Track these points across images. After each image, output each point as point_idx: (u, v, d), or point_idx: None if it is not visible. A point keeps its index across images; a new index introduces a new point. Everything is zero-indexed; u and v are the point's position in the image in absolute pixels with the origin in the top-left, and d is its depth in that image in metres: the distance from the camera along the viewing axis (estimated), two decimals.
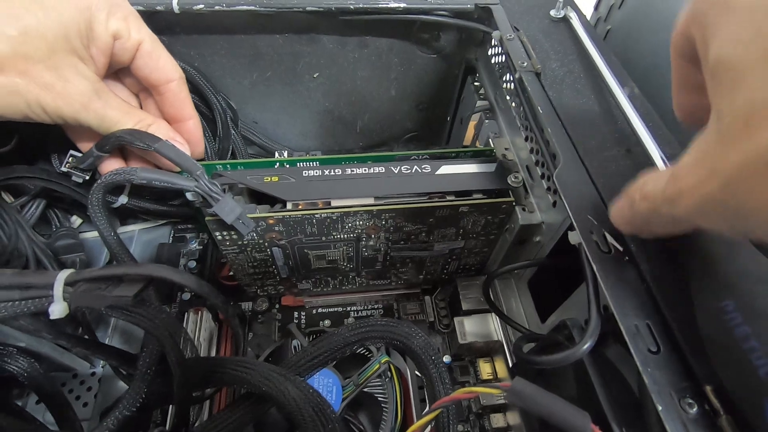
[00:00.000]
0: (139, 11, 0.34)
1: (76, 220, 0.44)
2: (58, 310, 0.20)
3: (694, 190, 0.15)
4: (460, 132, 0.48)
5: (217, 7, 0.35)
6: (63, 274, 0.20)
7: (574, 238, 0.24)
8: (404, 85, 0.45)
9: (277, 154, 0.37)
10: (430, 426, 0.24)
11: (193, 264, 0.44)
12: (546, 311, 0.34)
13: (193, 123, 0.32)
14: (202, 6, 0.35)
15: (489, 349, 0.38)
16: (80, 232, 0.44)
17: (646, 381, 0.18)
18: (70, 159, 0.31)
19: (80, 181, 0.32)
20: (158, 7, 0.34)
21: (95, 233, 0.46)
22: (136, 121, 0.28)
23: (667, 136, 0.28)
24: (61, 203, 0.42)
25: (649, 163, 0.25)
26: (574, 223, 0.24)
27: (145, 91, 0.32)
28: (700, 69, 0.17)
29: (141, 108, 0.32)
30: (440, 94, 0.46)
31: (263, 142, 0.48)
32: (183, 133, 0.31)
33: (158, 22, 0.36)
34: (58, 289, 0.20)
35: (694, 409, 0.18)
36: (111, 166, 0.30)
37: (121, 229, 0.47)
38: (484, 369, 0.38)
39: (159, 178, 0.25)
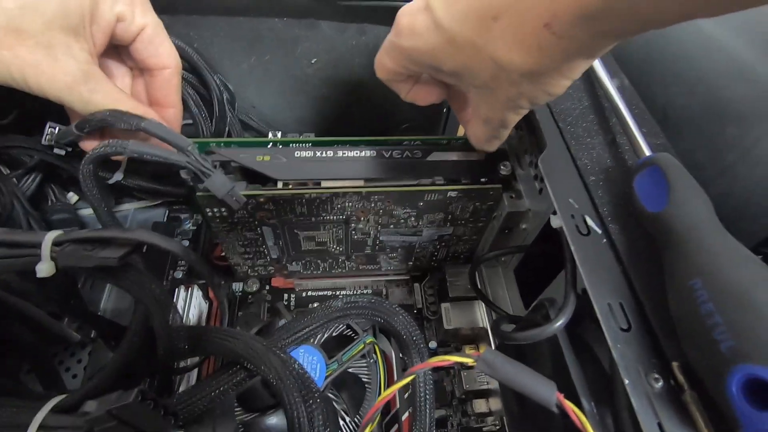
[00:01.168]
0: None
1: (72, 197, 0.45)
2: (45, 268, 0.20)
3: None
4: (455, 122, 0.49)
5: None
6: (51, 234, 0.21)
7: (556, 221, 0.24)
8: None
9: (270, 135, 0.37)
10: (408, 413, 0.24)
11: (186, 243, 0.44)
12: (531, 298, 0.34)
13: (174, 112, 0.31)
14: None
15: (474, 336, 0.39)
16: (76, 209, 0.44)
17: (615, 357, 0.19)
18: (49, 131, 0.32)
19: (62, 153, 0.33)
20: None
21: (91, 210, 0.47)
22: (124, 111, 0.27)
23: (653, 127, 0.28)
24: (58, 179, 0.43)
25: (633, 151, 0.25)
26: (556, 206, 0.24)
27: (139, 69, 0.32)
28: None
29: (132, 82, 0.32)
30: None
31: (260, 127, 0.49)
32: (162, 120, 0.30)
33: (160, 1, 0.37)
34: (46, 248, 0.20)
35: (660, 384, 0.18)
36: (91, 144, 0.30)
37: (117, 209, 0.47)
38: None
39: (150, 151, 0.26)
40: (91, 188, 0.25)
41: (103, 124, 0.27)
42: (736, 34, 0.28)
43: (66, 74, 0.24)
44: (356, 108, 0.49)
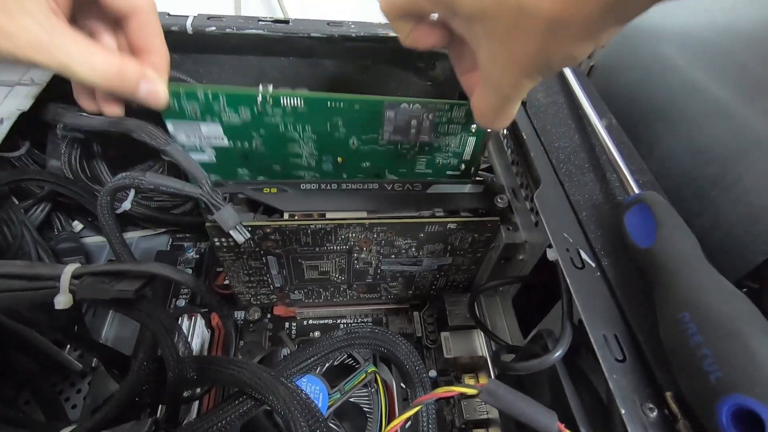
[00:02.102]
0: None
1: (77, 225, 0.46)
2: (63, 300, 0.21)
3: None
4: None
5: (227, 30, 0.37)
6: (70, 267, 0.22)
7: (552, 254, 0.26)
8: None
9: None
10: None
11: (189, 272, 0.45)
12: (529, 327, 0.35)
13: (159, 57, 0.28)
14: (213, 28, 0.37)
15: (474, 365, 0.39)
16: (81, 237, 0.45)
17: (612, 387, 0.20)
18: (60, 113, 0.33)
19: (81, 137, 0.34)
20: (173, 28, 0.37)
21: (95, 238, 0.47)
22: (101, 63, 0.24)
23: (640, 164, 0.30)
24: (64, 208, 0.44)
25: (622, 187, 0.27)
26: (552, 240, 0.25)
27: (114, 20, 0.28)
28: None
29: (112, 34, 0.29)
30: None
31: None
32: (149, 65, 0.27)
33: (172, 41, 0.39)
34: (65, 280, 0.21)
35: (654, 414, 0.19)
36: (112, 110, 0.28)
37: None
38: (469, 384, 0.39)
39: (166, 183, 0.27)
40: (107, 218, 0.26)
41: (128, 133, 0.28)
42: (718, 78, 0.30)
43: (25, 31, 0.22)
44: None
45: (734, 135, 0.29)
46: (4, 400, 0.31)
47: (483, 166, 0.46)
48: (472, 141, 0.34)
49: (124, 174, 0.27)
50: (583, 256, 0.24)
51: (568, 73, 0.35)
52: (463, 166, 0.36)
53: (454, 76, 0.44)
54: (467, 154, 0.35)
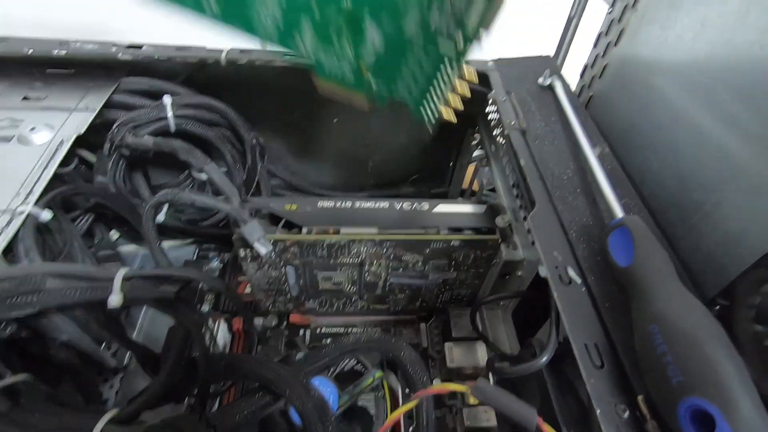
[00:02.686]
0: (192, 63, 0.42)
1: (114, 234, 0.50)
2: (115, 299, 0.25)
3: None
4: (460, 174, 0.54)
5: (257, 62, 0.42)
6: (122, 270, 0.25)
7: (543, 271, 0.28)
8: (412, 133, 0.51)
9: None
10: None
11: (209, 274, 0.48)
12: (528, 338, 0.37)
13: None
14: (245, 60, 0.42)
15: (476, 375, 0.42)
16: (117, 245, 0.49)
17: (589, 390, 0.22)
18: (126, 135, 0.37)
19: (127, 153, 0.38)
20: (209, 60, 0.41)
21: (129, 247, 0.52)
22: None
23: (628, 189, 0.33)
24: (104, 218, 0.48)
25: (609, 211, 0.30)
26: (542, 258, 0.28)
27: None
28: None
29: None
30: (444, 141, 0.52)
31: (284, 176, 0.54)
32: None
33: (208, 71, 0.43)
34: (118, 282, 0.25)
35: (627, 414, 0.21)
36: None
37: None
38: None
39: (201, 199, 0.31)
40: (150, 228, 0.30)
41: (175, 153, 0.32)
42: (701, 110, 0.33)
43: None
44: (371, 160, 0.55)
45: (715, 164, 0.31)
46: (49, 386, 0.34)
47: (487, 187, 0.49)
48: None
49: (165, 190, 0.31)
50: (571, 273, 0.27)
51: (565, 103, 0.38)
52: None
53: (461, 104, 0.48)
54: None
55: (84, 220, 0.43)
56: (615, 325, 0.25)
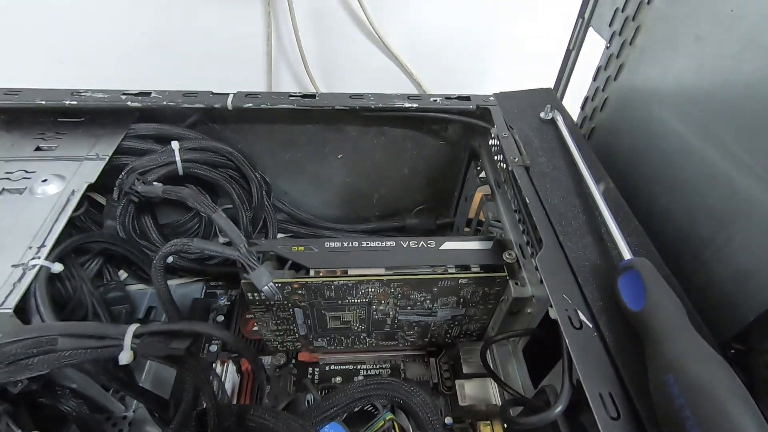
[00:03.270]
0: (199, 108, 0.43)
1: (122, 274, 0.50)
2: (126, 357, 0.25)
3: None
4: (465, 206, 0.54)
5: (262, 106, 0.43)
6: (132, 328, 0.25)
7: (553, 313, 0.28)
8: (416, 166, 0.52)
9: None
10: None
11: (221, 318, 0.48)
12: (539, 377, 0.37)
13: None
14: (251, 105, 0.42)
15: (489, 413, 0.41)
16: (126, 284, 0.50)
17: None
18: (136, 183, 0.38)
19: (136, 200, 0.39)
20: (216, 105, 0.42)
21: (137, 286, 0.52)
22: None
23: (634, 226, 0.33)
24: (112, 260, 0.48)
25: (617, 249, 0.30)
26: (552, 301, 0.28)
27: None
28: None
29: None
30: (448, 174, 0.53)
31: (290, 210, 0.55)
32: None
33: (214, 115, 0.44)
34: (128, 339, 0.25)
35: None
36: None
37: None
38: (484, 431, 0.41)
39: (210, 248, 0.31)
40: (160, 281, 0.30)
41: (183, 201, 0.33)
42: (709, 143, 0.33)
43: None
44: (376, 193, 0.55)
45: (724, 199, 0.31)
46: None
47: (493, 219, 0.49)
48: None
49: (175, 241, 0.31)
50: (581, 316, 0.27)
51: (568, 139, 0.39)
52: None
53: (464, 137, 0.49)
54: None
55: (93, 263, 0.43)
56: (629, 372, 0.24)
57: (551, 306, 0.28)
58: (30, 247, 0.31)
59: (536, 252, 0.32)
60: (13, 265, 0.30)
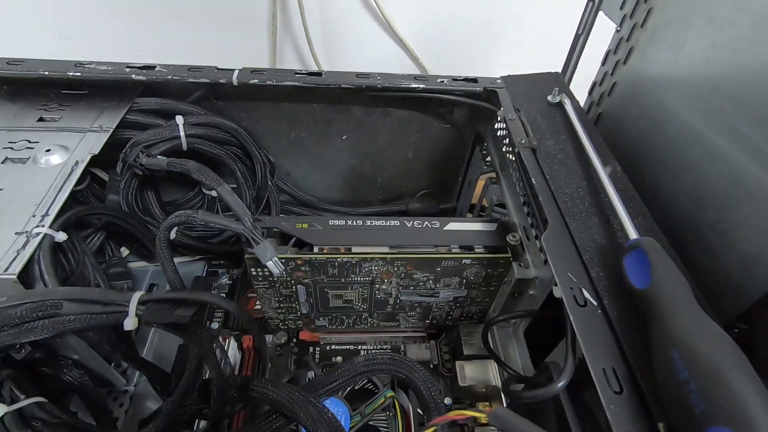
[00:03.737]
0: (204, 83, 0.42)
1: (124, 251, 0.50)
2: (131, 323, 0.25)
3: None
4: (468, 191, 0.54)
5: (268, 82, 0.42)
6: (137, 294, 0.25)
7: (557, 292, 0.28)
8: (421, 149, 0.52)
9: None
10: None
11: (223, 296, 0.48)
12: (540, 357, 0.37)
13: None
14: (256, 81, 0.42)
15: (488, 394, 0.41)
16: (127, 262, 0.50)
17: (609, 417, 0.22)
18: (137, 154, 0.38)
19: (140, 173, 0.39)
20: (221, 80, 0.42)
21: (139, 263, 0.52)
22: None
23: (641, 209, 0.33)
24: (114, 236, 0.48)
25: (623, 231, 0.29)
26: (557, 279, 0.28)
27: None
28: None
29: None
30: (452, 158, 0.52)
31: (292, 191, 0.54)
32: None
33: (219, 91, 0.44)
34: (133, 306, 0.25)
35: None
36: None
37: None
38: None
39: (214, 220, 0.31)
40: (164, 250, 0.30)
41: (188, 173, 0.33)
42: (715, 128, 0.33)
43: None
44: (379, 176, 0.55)
45: (731, 183, 0.31)
46: (60, 407, 0.34)
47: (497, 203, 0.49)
48: None
49: (179, 212, 0.31)
50: (586, 294, 0.27)
51: (575, 122, 0.39)
52: None
53: (469, 121, 0.48)
54: None
55: (96, 238, 0.43)
56: (633, 348, 0.24)
57: (556, 285, 0.28)
58: (33, 216, 0.31)
59: (541, 233, 0.32)
60: (17, 233, 0.30)
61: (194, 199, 0.50)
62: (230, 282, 0.50)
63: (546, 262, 0.34)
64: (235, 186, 0.47)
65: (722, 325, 0.22)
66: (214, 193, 0.47)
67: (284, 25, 0.59)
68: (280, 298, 0.40)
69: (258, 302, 0.43)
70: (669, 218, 0.34)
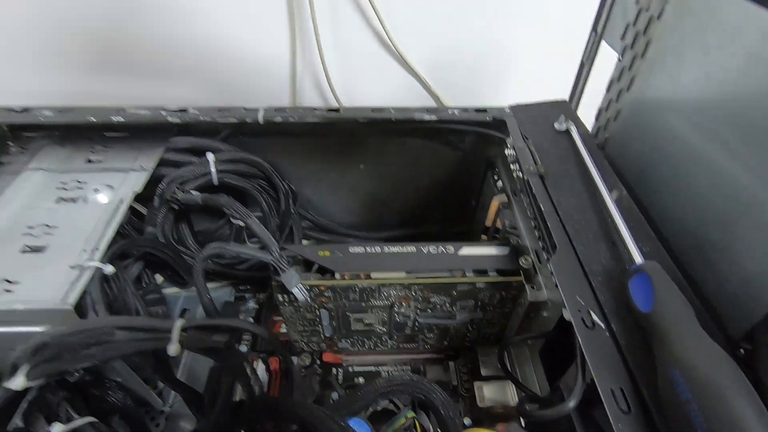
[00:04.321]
0: (232, 123, 0.46)
1: (158, 278, 0.54)
2: (174, 348, 0.27)
3: None
4: (481, 214, 0.56)
5: (290, 119, 0.46)
6: (179, 322, 0.28)
7: (566, 314, 0.30)
8: (434, 175, 0.54)
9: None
10: None
11: (250, 320, 0.51)
12: (555, 379, 0.38)
13: None
14: (279, 119, 0.45)
15: (507, 414, 0.42)
16: (162, 288, 0.53)
17: None
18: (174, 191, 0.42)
19: (176, 208, 0.43)
20: (247, 119, 0.45)
21: (172, 290, 0.55)
22: None
23: (646, 231, 0.34)
24: (150, 264, 0.52)
25: (628, 254, 0.31)
26: (565, 302, 0.29)
27: None
28: None
29: None
30: (465, 183, 0.55)
31: (313, 217, 0.57)
32: None
33: (246, 128, 0.48)
34: (176, 333, 0.28)
35: None
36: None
37: (190, 288, 0.56)
38: None
39: (245, 251, 0.34)
40: (201, 280, 0.33)
41: (220, 207, 0.36)
42: (714, 150, 0.34)
43: None
44: (395, 202, 0.57)
45: (731, 204, 0.32)
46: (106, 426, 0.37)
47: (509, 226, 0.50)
48: None
49: (213, 244, 0.34)
50: (594, 317, 0.28)
51: (582, 149, 0.40)
52: None
53: (480, 147, 0.51)
54: None
55: (135, 267, 0.46)
56: (640, 369, 0.26)
57: (565, 307, 0.30)
58: (85, 250, 0.35)
59: (550, 254, 0.34)
60: (71, 266, 0.33)
61: (223, 227, 0.53)
62: (257, 306, 0.53)
63: (557, 285, 0.35)
64: (260, 215, 0.51)
65: (728, 346, 0.23)
66: (240, 222, 0.51)
67: (303, 59, 0.63)
68: (305, 322, 0.42)
69: (283, 325, 0.46)
70: (675, 239, 0.35)
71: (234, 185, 0.47)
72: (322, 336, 0.44)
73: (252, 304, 0.53)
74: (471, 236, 0.59)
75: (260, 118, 0.45)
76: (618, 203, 0.35)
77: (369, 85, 0.64)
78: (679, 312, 0.25)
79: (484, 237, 0.56)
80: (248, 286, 0.55)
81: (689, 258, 0.34)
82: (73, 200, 0.39)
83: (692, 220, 0.35)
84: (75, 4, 0.57)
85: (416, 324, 0.43)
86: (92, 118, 0.44)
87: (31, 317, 0.31)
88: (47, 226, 0.37)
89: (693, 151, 0.36)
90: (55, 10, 0.57)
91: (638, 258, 0.29)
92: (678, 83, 0.36)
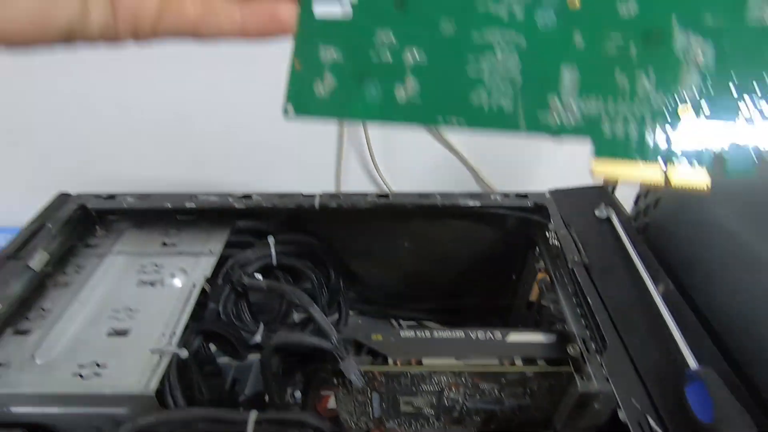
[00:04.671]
0: (290, 210, 0.50)
1: (212, 347, 0.57)
2: None
3: None
4: (523, 288, 0.57)
5: (344, 206, 0.50)
6: (253, 414, 0.30)
7: (622, 416, 0.30)
8: (477, 253, 0.56)
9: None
10: None
11: (298, 393, 0.53)
12: None
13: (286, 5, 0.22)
14: (335, 204, 0.50)
15: None
16: (215, 358, 0.56)
17: None
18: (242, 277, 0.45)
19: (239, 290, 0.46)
20: (305, 205, 0.50)
21: (225, 359, 0.58)
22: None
23: (697, 329, 0.35)
24: (207, 335, 0.55)
25: (680, 356, 0.32)
26: (621, 405, 0.30)
27: None
28: None
29: None
30: (507, 260, 0.56)
31: (359, 290, 0.60)
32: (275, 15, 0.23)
33: (303, 214, 0.52)
34: (250, 426, 0.30)
35: None
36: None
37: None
38: None
39: (306, 340, 0.36)
40: (269, 371, 0.35)
41: (283, 295, 0.39)
42: (763, 239, 0.35)
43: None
44: (437, 276, 0.59)
45: None
46: None
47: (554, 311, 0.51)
48: None
49: (281, 333, 0.37)
50: (651, 423, 0.29)
51: (625, 240, 0.42)
52: None
53: (522, 229, 0.53)
54: None
55: (196, 342, 0.50)
56: None
57: (620, 408, 0.31)
58: (163, 334, 0.38)
59: (601, 350, 0.35)
60: (151, 351, 0.37)
61: (274, 302, 0.56)
62: (303, 379, 0.54)
63: (608, 379, 0.36)
64: (311, 287, 0.54)
65: None
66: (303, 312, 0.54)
67: (348, 136, 0.69)
68: (356, 403, 0.44)
69: (331, 400, 0.47)
70: (727, 335, 0.35)
71: (291, 265, 0.50)
72: (371, 416, 0.45)
73: (299, 377, 0.55)
74: (512, 310, 0.59)
75: (317, 203, 0.50)
76: (665, 297, 0.36)
77: (413, 162, 0.69)
78: (740, 428, 0.25)
79: (526, 312, 0.57)
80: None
81: (744, 356, 0.34)
82: (152, 284, 0.43)
83: (744, 315, 0.35)
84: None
85: (464, 408, 0.43)
86: (168, 204, 0.50)
87: (115, 401, 0.34)
88: (130, 309, 0.41)
89: (740, 243, 0.37)
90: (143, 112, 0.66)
91: (692, 362, 0.30)
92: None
